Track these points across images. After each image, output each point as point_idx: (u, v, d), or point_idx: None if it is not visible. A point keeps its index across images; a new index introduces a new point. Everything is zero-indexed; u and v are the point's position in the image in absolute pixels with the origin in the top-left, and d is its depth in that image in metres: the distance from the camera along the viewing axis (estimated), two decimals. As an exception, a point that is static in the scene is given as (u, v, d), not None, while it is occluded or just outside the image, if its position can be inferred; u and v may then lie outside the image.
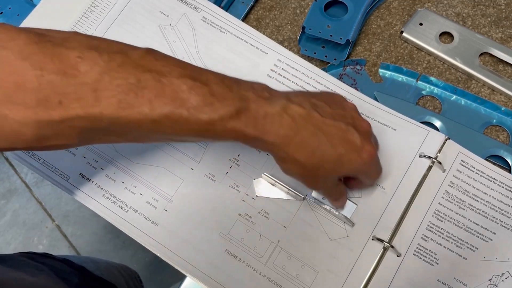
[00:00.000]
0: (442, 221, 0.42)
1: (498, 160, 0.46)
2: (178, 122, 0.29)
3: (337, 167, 0.35)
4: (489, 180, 0.43)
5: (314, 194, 0.42)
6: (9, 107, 0.26)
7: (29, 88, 0.26)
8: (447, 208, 0.42)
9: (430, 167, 0.43)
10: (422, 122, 0.46)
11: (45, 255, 0.52)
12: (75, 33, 0.29)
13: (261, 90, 0.33)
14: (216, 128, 0.30)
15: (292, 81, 0.46)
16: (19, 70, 0.26)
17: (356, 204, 0.41)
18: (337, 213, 0.41)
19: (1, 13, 0.54)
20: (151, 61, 0.29)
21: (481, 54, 0.50)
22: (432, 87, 0.49)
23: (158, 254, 0.41)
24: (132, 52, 0.29)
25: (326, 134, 0.34)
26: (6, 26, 0.26)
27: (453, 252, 0.41)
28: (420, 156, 0.43)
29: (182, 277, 0.43)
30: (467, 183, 0.43)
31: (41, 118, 0.26)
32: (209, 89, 0.30)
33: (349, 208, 0.42)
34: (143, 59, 0.29)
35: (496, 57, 0.50)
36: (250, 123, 0.31)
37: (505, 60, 0.49)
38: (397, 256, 0.41)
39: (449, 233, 0.41)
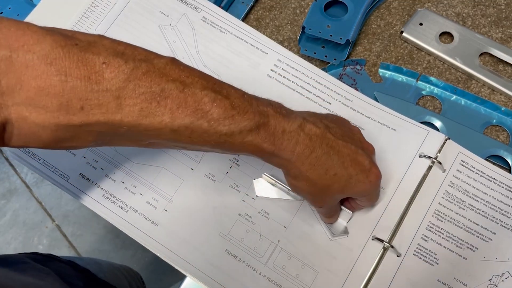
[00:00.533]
0: (442, 221, 0.42)
1: (498, 160, 0.46)
2: (197, 133, 0.29)
3: (346, 188, 0.36)
4: (489, 180, 0.43)
5: None
6: (29, 110, 0.26)
7: (52, 92, 0.26)
8: (447, 208, 0.42)
9: (430, 167, 0.43)
10: (422, 122, 0.46)
11: (49, 257, 0.52)
12: (101, 36, 0.29)
13: (279, 107, 0.33)
14: (234, 141, 0.31)
15: (292, 81, 0.46)
16: (44, 74, 0.25)
17: (351, 212, 0.41)
18: (333, 234, 0.41)
19: (1, 13, 0.54)
20: (175, 71, 0.29)
21: (481, 54, 0.50)
22: (432, 87, 0.49)
23: (158, 254, 0.41)
24: (157, 60, 0.29)
25: (339, 154, 0.34)
26: (32, 28, 0.26)
27: (453, 252, 0.41)
28: (420, 156, 0.43)
29: (182, 277, 0.43)
30: (467, 183, 0.43)
31: (60, 122, 0.26)
32: (231, 102, 0.30)
33: (344, 217, 0.42)
34: (167, 68, 0.29)
35: (496, 57, 0.50)
36: (268, 138, 0.32)
37: (505, 60, 0.49)
38: (397, 256, 0.41)
39: (449, 233, 0.41)
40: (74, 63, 0.26)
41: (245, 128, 0.30)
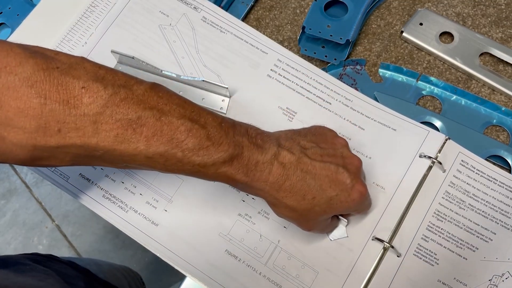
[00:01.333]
0: (442, 221, 0.42)
1: (498, 160, 0.46)
2: (171, 161, 0.30)
3: (328, 209, 0.36)
4: (489, 180, 0.43)
5: None
6: (8, 130, 0.26)
7: (31, 114, 0.26)
8: (447, 208, 0.42)
9: (430, 167, 0.43)
10: (422, 122, 0.46)
11: (49, 257, 0.51)
12: (83, 59, 0.29)
13: (255, 136, 0.34)
14: (208, 171, 0.31)
15: (292, 81, 0.46)
16: (24, 96, 0.26)
17: (347, 220, 0.41)
18: (332, 239, 0.41)
19: (1, 13, 0.54)
20: (153, 98, 0.29)
21: (481, 54, 0.50)
22: (432, 87, 0.49)
23: (158, 255, 0.41)
24: (136, 87, 0.29)
25: (316, 177, 0.34)
26: (15, 49, 0.27)
27: (453, 252, 0.41)
28: (420, 156, 0.43)
29: (182, 277, 0.43)
30: (467, 183, 0.43)
31: (37, 143, 0.27)
32: (206, 133, 0.30)
33: (341, 222, 0.41)
34: (146, 95, 0.29)
35: (496, 57, 0.50)
36: (241, 170, 0.32)
37: (505, 60, 0.49)
38: (397, 256, 0.41)
39: (449, 233, 0.41)
40: (54, 87, 0.27)
41: (218, 160, 0.31)
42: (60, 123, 0.27)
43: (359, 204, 0.37)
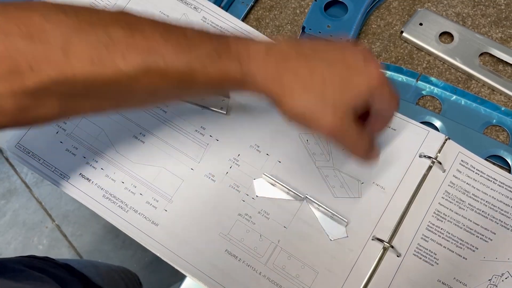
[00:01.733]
0: (442, 221, 0.42)
1: (498, 160, 0.46)
2: (156, 76, 0.28)
3: (344, 92, 0.30)
4: (489, 180, 0.43)
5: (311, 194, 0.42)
6: None
7: None
8: (447, 208, 0.42)
9: (430, 167, 0.43)
10: (422, 122, 0.46)
11: (46, 259, 0.51)
12: (44, 2, 0.28)
13: (239, 34, 0.31)
14: (198, 76, 0.29)
15: (292, 81, 0.46)
16: None
17: (346, 220, 0.41)
18: (332, 239, 0.41)
19: (1, 13, 0.54)
20: (122, 18, 0.28)
21: (481, 54, 0.50)
22: (432, 87, 0.49)
23: (158, 254, 0.41)
24: (103, 12, 0.28)
25: (322, 59, 0.30)
26: None
27: (453, 252, 0.41)
28: (420, 156, 0.43)
29: (182, 277, 0.43)
30: (467, 183, 0.43)
31: (15, 87, 0.26)
32: (185, 37, 0.28)
33: (341, 222, 0.41)
34: (114, 17, 0.28)
35: (496, 57, 0.50)
36: (233, 63, 0.29)
37: (505, 60, 0.49)
38: (397, 256, 0.41)
39: (449, 233, 0.41)
40: (13, 22, 0.25)
41: (205, 59, 0.29)
42: (30, 60, 0.26)
43: (379, 85, 0.31)
